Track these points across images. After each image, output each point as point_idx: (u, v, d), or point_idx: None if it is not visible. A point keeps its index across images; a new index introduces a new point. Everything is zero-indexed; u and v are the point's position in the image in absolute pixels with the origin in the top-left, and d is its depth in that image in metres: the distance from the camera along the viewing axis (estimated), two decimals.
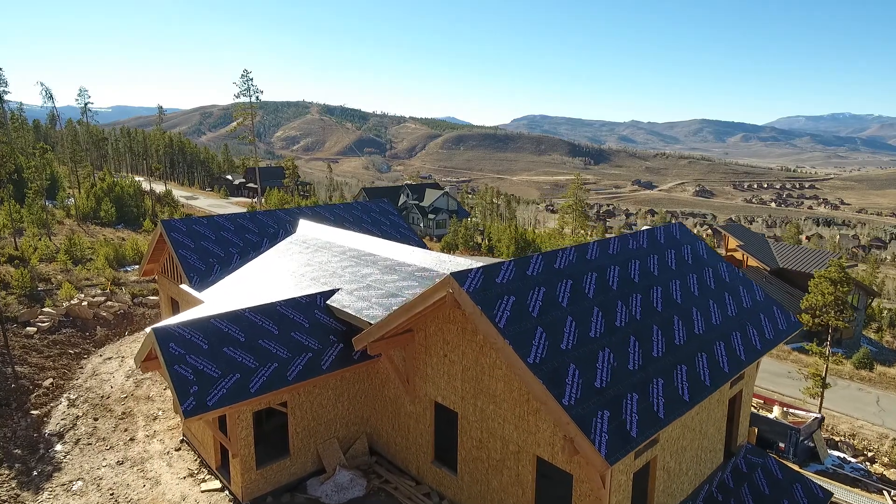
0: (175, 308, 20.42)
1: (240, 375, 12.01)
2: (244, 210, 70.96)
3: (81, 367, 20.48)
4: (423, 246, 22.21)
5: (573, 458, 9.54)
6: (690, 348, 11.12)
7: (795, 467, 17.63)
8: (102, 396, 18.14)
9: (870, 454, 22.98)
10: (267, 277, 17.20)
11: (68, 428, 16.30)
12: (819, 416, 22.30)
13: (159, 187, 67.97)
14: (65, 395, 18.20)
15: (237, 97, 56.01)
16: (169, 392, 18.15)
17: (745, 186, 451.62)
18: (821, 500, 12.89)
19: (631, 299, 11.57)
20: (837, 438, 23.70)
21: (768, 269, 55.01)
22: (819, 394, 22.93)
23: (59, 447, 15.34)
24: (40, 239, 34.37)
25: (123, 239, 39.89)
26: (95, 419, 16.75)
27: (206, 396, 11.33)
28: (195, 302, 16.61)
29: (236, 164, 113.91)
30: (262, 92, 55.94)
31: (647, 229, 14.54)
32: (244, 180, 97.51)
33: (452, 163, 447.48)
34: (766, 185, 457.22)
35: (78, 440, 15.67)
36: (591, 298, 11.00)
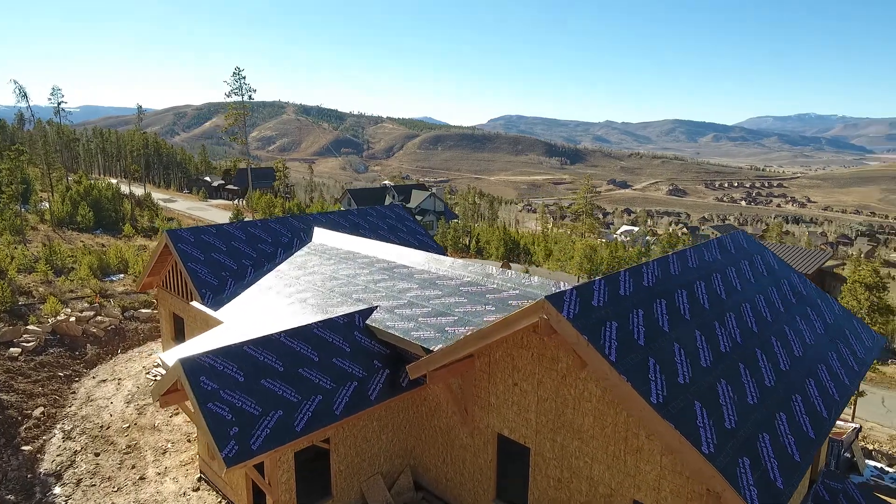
0: (179, 326, 18.67)
1: (283, 412, 10.48)
2: (227, 212, 68.39)
3: (74, 393, 18.54)
4: (444, 252, 20.89)
5: None
6: (798, 375, 9.99)
7: (880, 495, 16.75)
8: (102, 427, 16.30)
9: None
10: (289, 293, 15.62)
11: (66, 466, 14.48)
12: (856, 425, 21.61)
13: (138, 190, 64.98)
14: (59, 426, 16.31)
15: (228, 95, 53.66)
16: (178, 419, 16.41)
17: (717, 185, 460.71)
18: None
19: (726, 319, 10.41)
20: (871, 447, 23.08)
21: None
22: (853, 402, 22.28)
23: (57, 490, 13.54)
24: (16, 247, 31.90)
25: (104, 245, 37.50)
26: (97, 454, 14.94)
27: (248, 439, 9.79)
28: (210, 321, 14.96)
29: (214, 166, 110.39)
30: (255, 91, 53.74)
31: (716, 239, 13.42)
32: (223, 182, 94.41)
33: (430, 163, 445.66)
34: (736, 184, 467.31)
35: (79, 480, 13.87)
36: (689, 320, 9.80)
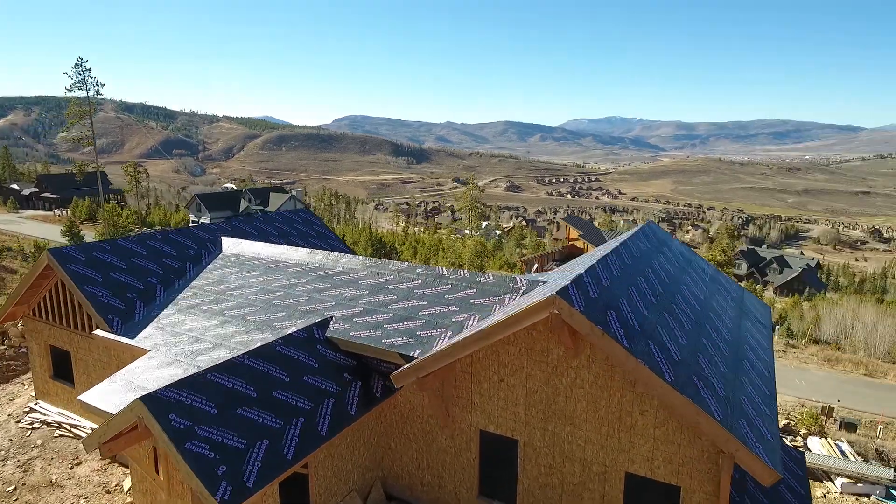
0: (61, 361, 15.94)
1: (269, 441, 9.59)
2: (48, 225, 58.76)
3: None
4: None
5: (681, 470, 9.39)
6: (738, 344, 11.68)
7: None
8: None
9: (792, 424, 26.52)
10: (219, 311, 14.14)
11: None
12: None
13: None
14: None
15: (69, 90, 45.61)
16: (83, 469, 13.97)
17: (547, 181, 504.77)
18: None
19: (678, 300, 11.77)
20: None
21: None
22: None
23: None
24: None
25: None
26: None
27: (241, 476, 8.81)
28: (130, 352, 13.01)
29: (20, 171, 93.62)
30: (103, 85, 46.41)
31: (639, 229, 14.99)
32: (37, 190, 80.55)
33: (274, 164, 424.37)
34: (562, 180, 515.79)
35: None
36: (656, 304, 10.91)
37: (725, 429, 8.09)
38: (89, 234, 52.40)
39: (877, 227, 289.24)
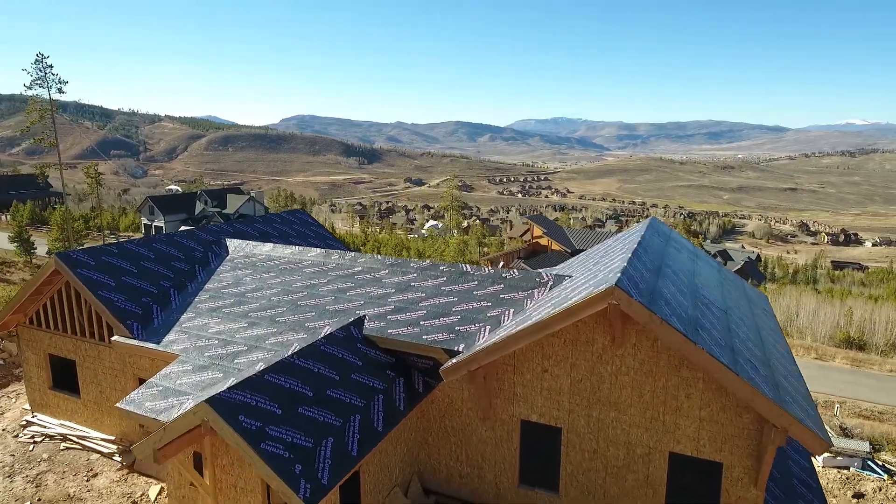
0: (63, 371, 15.31)
1: (333, 439, 9.65)
2: None
3: None
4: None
5: (723, 448, 10.09)
6: (752, 326, 12.54)
7: None
8: None
9: None
10: (244, 312, 13.92)
11: None
12: None
13: None
14: None
15: (29, 87, 42.72)
16: (100, 481, 13.45)
17: (498, 181, 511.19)
18: None
19: (699, 288, 12.52)
20: None
21: (569, 251, 63.77)
22: None
23: None
24: None
25: None
26: None
27: (316, 474, 8.86)
28: (145, 357, 12.68)
29: None
30: (66, 83, 43.66)
31: (645, 224, 15.75)
32: None
33: (221, 165, 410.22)
34: (512, 179, 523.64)
35: None
36: (686, 293, 11.60)
37: (779, 405, 8.79)
38: (40, 241, 49.51)
39: (804, 222, 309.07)
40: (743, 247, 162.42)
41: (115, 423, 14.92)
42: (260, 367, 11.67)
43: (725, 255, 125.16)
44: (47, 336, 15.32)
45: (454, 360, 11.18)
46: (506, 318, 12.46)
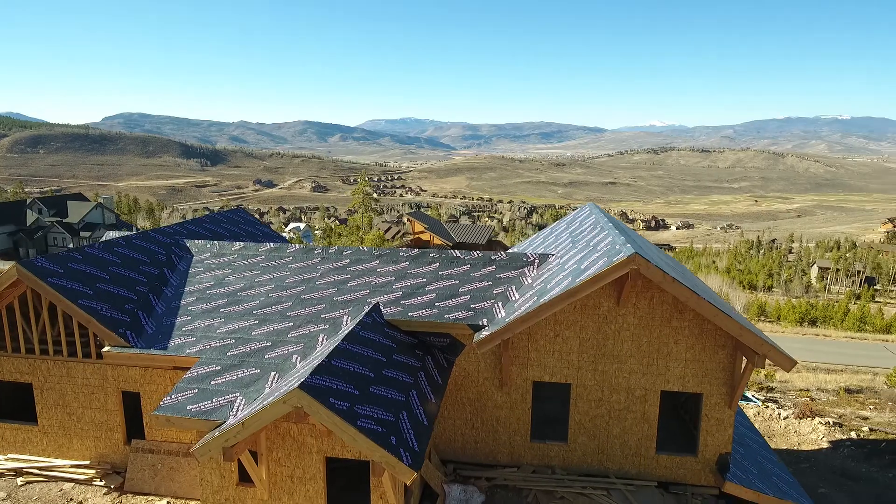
0: (13, 397, 13.64)
1: (405, 412, 10.35)
2: None
3: None
4: None
5: (703, 381, 12.60)
6: (706, 289, 15.43)
7: None
8: None
9: None
10: (248, 310, 13.57)
11: None
12: None
13: None
14: None
15: None
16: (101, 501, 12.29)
17: (352, 181, 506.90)
18: None
19: (662, 254, 15.08)
20: None
21: (451, 244, 66.96)
22: None
23: None
24: None
25: None
26: None
27: (407, 443, 9.56)
28: (141, 365, 12.05)
29: None
30: None
31: (588, 206, 18.17)
32: None
33: (31, 169, 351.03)
34: (367, 179, 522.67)
35: None
36: (659, 257, 14.01)
37: (758, 335, 11.40)
38: None
39: (623, 211, 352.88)
40: None
41: (89, 446, 13.61)
42: (296, 359, 11.81)
43: None
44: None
45: (488, 332, 12.37)
46: (511, 293, 13.90)
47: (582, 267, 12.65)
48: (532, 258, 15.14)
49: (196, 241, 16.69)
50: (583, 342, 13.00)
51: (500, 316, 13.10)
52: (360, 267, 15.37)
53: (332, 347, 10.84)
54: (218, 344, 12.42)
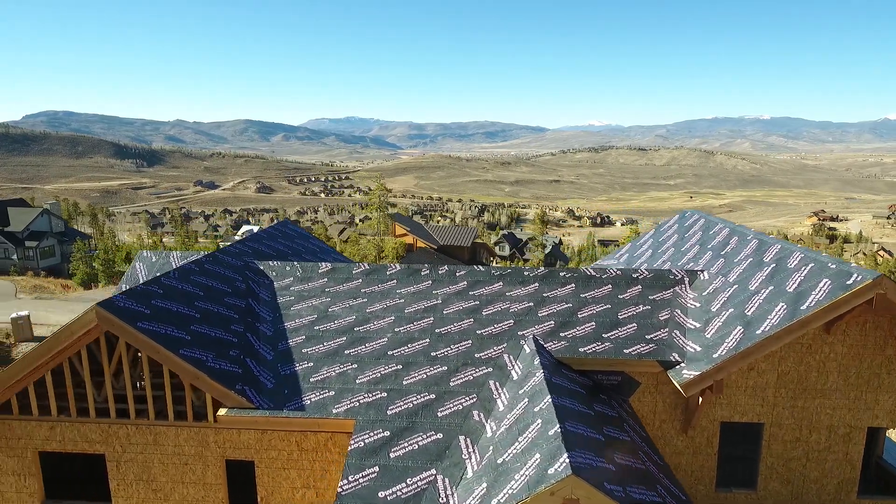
0: (67, 472, 10.51)
1: (661, 487, 8.11)
2: None
3: None
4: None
5: None
6: None
7: None
8: None
9: None
10: (378, 352, 10.91)
11: None
12: None
13: None
14: None
15: None
16: None
17: (298, 181, 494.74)
18: None
19: None
20: None
21: (434, 247, 64.73)
22: None
23: None
24: None
25: None
26: None
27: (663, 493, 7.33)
28: (254, 430, 9.30)
29: None
30: None
31: (694, 214, 16.46)
32: None
33: None
34: (313, 179, 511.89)
35: None
36: None
37: None
38: None
39: (570, 208, 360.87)
40: (546, 233, 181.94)
41: None
42: (478, 416, 9.36)
43: (515, 240, 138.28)
44: (39, 427, 10.15)
45: (697, 372, 10.30)
46: (682, 319, 11.90)
47: (789, 289, 10.80)
48: (679, 275, 13.21)
49: (270, 262, 13.77)
50: (781, 376, 11.16)
51: (689, 348, 11.08)
52: (483, 291, 12.95)
53: (545, 404, 8.47)
54: (368, 399, 9.75)
